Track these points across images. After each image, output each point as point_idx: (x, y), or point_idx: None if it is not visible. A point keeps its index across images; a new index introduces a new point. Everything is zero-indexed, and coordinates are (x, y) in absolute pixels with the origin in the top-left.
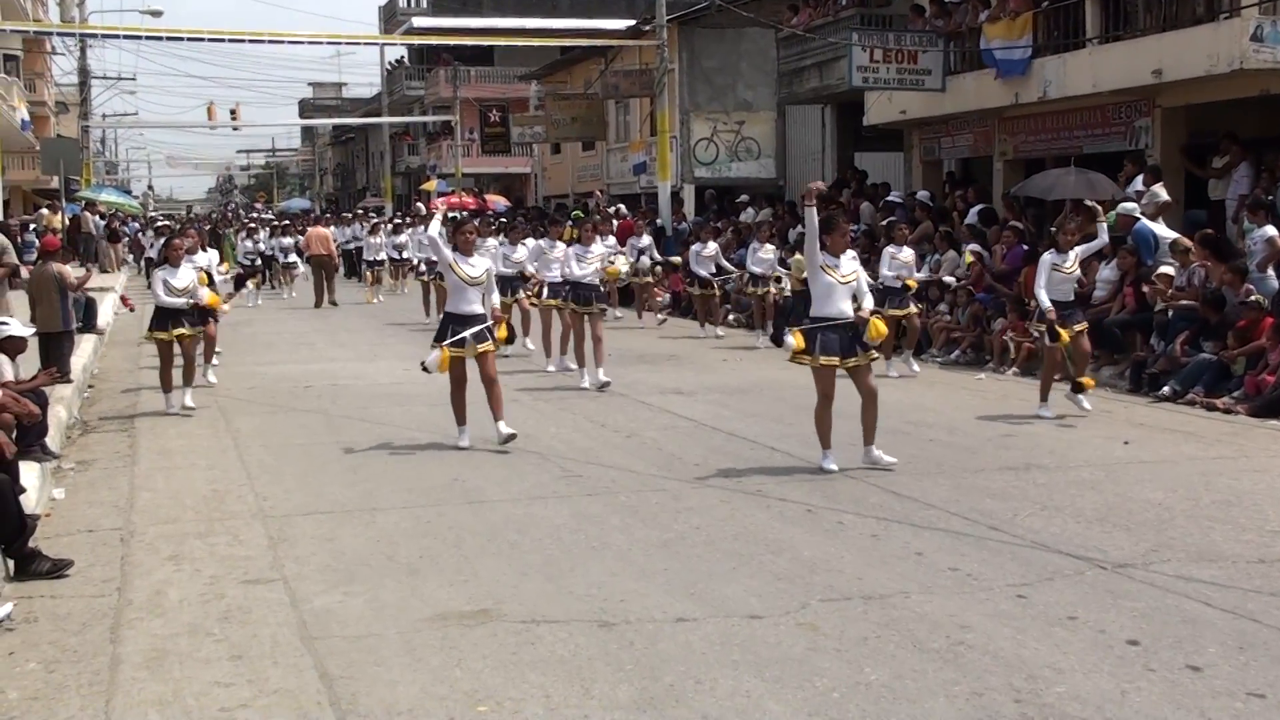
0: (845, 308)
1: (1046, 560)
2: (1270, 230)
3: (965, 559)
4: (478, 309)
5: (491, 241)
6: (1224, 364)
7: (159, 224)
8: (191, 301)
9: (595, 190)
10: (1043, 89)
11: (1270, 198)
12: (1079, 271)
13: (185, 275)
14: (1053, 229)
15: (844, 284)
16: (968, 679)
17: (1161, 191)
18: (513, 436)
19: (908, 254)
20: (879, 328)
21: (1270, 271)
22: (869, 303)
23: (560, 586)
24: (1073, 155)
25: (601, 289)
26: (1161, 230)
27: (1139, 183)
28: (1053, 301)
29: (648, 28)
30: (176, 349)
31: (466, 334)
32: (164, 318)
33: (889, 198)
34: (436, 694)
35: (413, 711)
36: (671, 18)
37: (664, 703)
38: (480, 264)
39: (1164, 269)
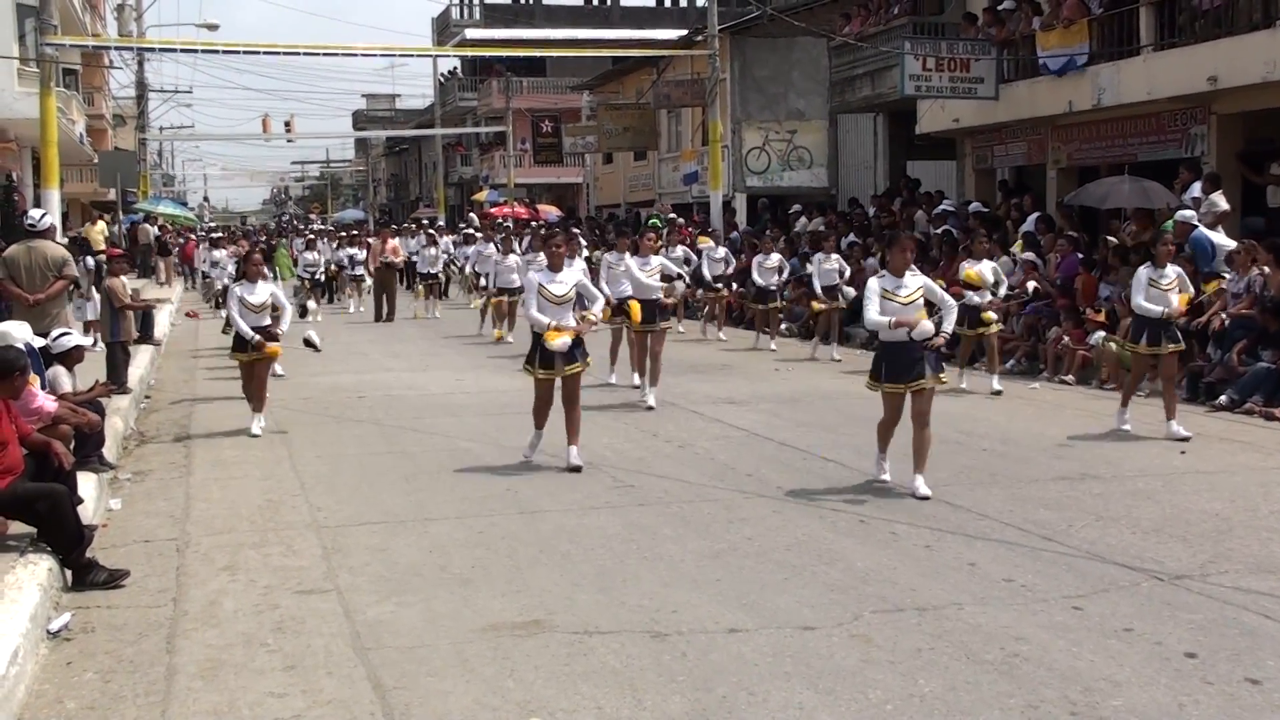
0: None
1: (1102, 571)
2: None
3: (1020, 570)
4: (569, 324)
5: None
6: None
7: (213, 235)
8: (264, 326)
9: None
10: (1097, 96)
11: None
12: (1178, 288)
13: (263, 291)
14: (1150, 245)
15: (906, 305)
16: (1022, 691)
17: (1220, 200)
18: (579, 469)
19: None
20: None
21: None
22: (950, 322)
23: (612, 597)
24: (1127, 163)
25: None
26: (1220, 239)
27: (1196, 189)
28: (1145, 319)
29: (699, 38)
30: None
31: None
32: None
33: (942, 206)
34: (489, 704)
35: None
36: (723, 27)
37: (716, 714)
38: (570, 278)
39: (1214, 283)
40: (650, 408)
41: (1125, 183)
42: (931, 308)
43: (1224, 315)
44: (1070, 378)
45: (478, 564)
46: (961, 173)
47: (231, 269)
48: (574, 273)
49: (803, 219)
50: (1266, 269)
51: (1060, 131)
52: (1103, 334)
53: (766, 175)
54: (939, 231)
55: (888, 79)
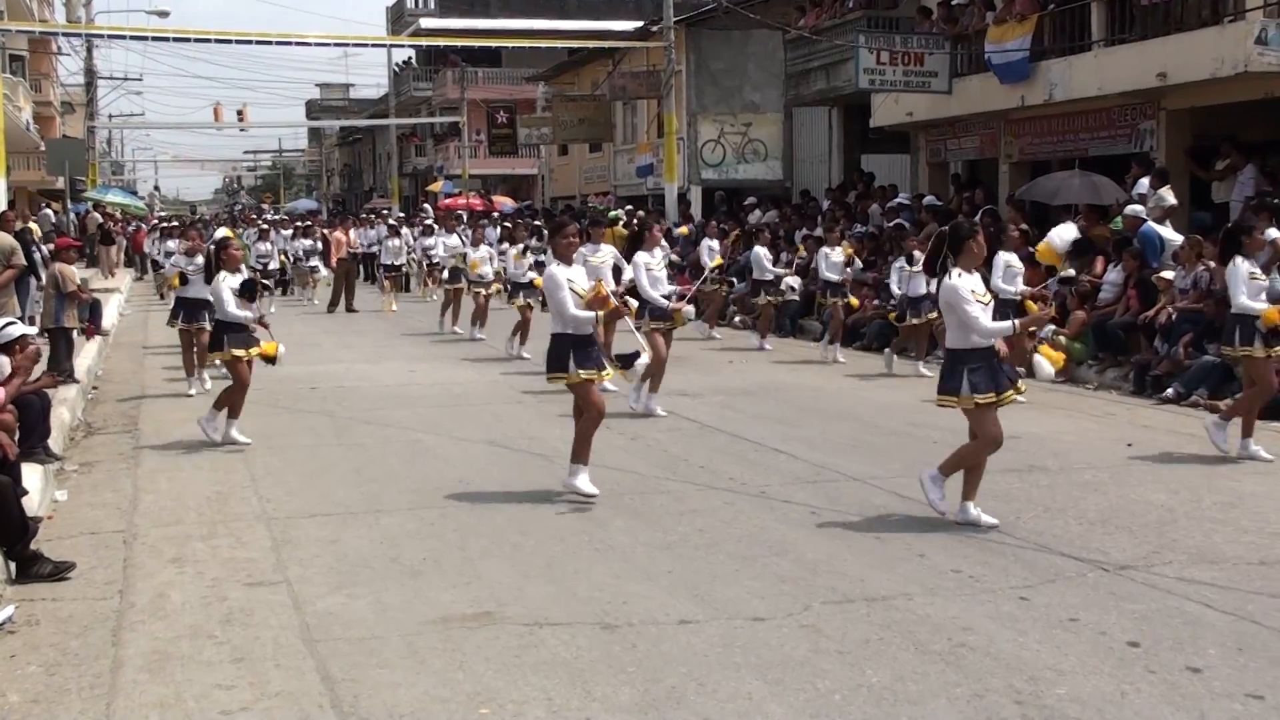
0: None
1: (1049, 562)
2: (1274, 233)
3: (968, 561)
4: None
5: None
6: (1227, 366)
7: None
8: (259, 315)
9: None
10: (1048, 91)
11: (1276, 200)
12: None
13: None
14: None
15: (986, 306)
16: (969, 681)
17: (1168, 195)
18: (577, 490)
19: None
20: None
21: (1275, 274)
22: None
23: (563, 588)
24: (1078, 158)
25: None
26: (1168, 233)
27: (1144, 184)
28: (1242, 317)
29: (655, 29)
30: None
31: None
32: (237, 332)
33: (896, 200)
34: (439, 696)
35: (415, 714)
36: (679, 19)
37: (665, 705)
38: (581, 271)
39: (1165, 273)
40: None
41: (1076, 178)
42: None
43: (1171, 309)
44: (1020, 370)
45: (429, 555)
46: (915, 166)
47: (199, 261)
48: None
49: (756, 212)
50: (1212, 264)
51: (1012, 126)
52: (1052, 328)
53: (722, 168)
54: (891, 225)
55: (842, 72)
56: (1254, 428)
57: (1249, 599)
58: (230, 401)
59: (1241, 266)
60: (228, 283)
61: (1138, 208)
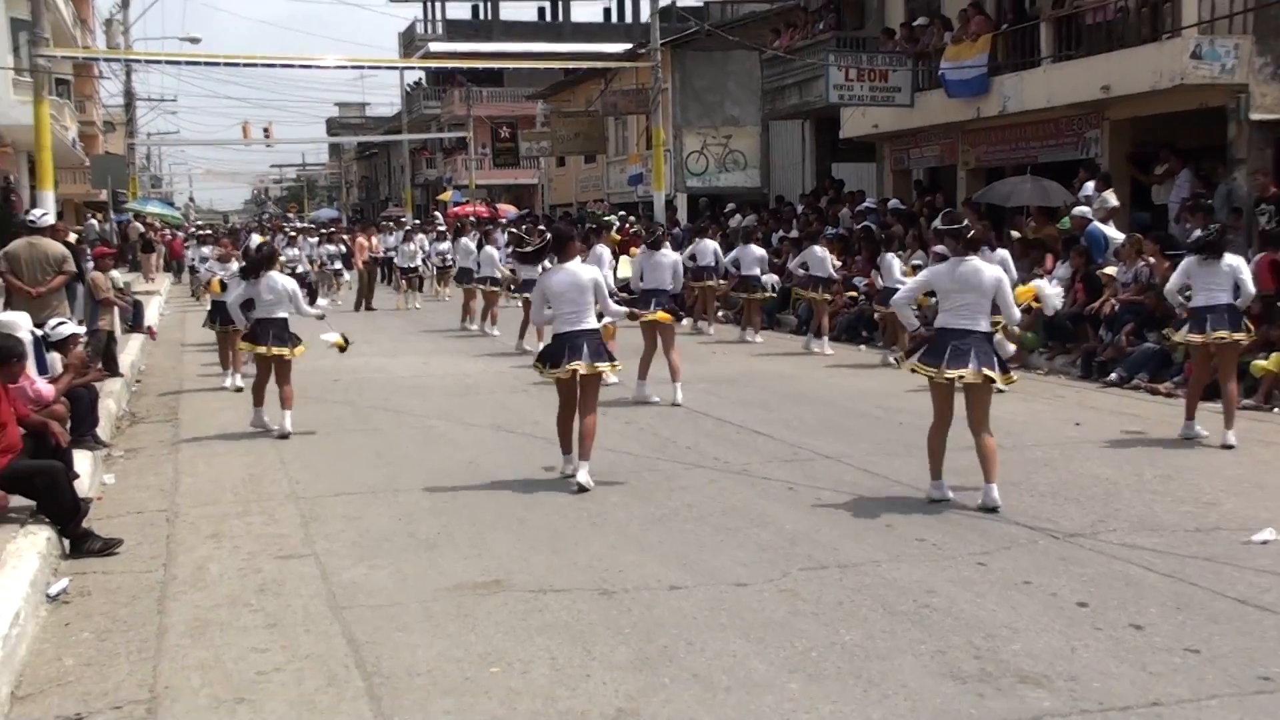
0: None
1: (1004, 531)
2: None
3: (931, 530)
4: (590, 324)
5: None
6: (1165, 352)
7: (200, 233)
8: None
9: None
10: (1002, 104)
11: (1208, 201)
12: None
13: (277, 282)
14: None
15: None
16: (932, 638)
17: (1111, 197)
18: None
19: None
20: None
21: None
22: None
23: (564, 559)
24: (1029, 164)
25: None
26: (1111, 232)
27: (1089, 187)
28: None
29: (643, 51)
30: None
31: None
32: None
33: (863, 204)
34: (453, 656)
35: (431, 673)
36: (665, 41)
37: (658, 662)
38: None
39: (1108, 269)
40: (677, 403)
41: (1027, 182)
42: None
43: (1114, 301)
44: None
45: (443, 530)
46: (881, 173)
47: (233, 267)
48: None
49: (737, 216)
50: (1152, 259)
51: (969, 136)
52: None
53: (705, 176)
54: (860, 227)
55: (814, 88)
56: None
57: (1186, 562)
58: (255, 391)
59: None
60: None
61: (1084, 209)
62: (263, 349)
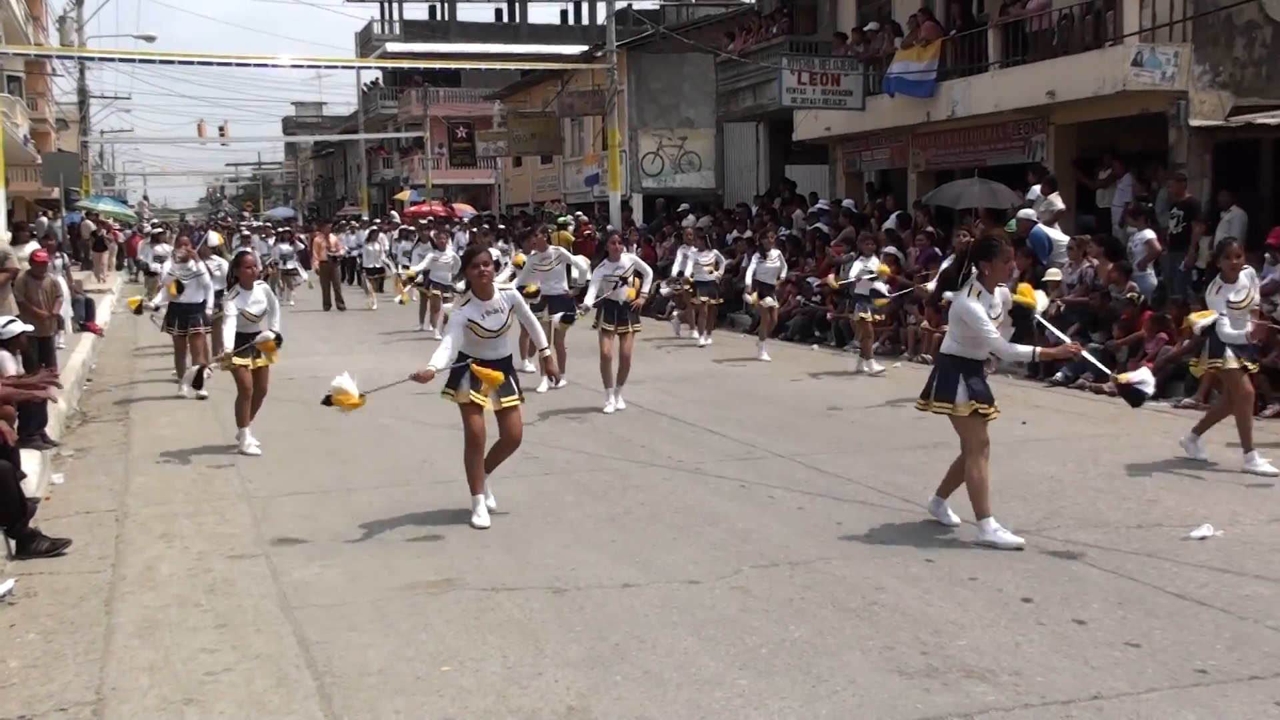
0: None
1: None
2: (1149, 233)
3: (879, 528)
4: (504, 352)
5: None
6: (1109, 352)
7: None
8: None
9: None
10: (951, 108)
11: (1149, 205)
12: (1257, 299)
13: (260, 295)
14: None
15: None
16: (881, 634)
17: (1057, 200)
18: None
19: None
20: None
21: (1150, 270)
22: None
23: (518, 557)
24: (978, 167)
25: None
26: (1056, 234)
27: (1035, 190)
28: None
29: (599, 53)
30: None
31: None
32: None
33: (816, 206)
34: (405, 655)
35: (383, 672)
36: (621, 44)
37: (610, 660)
38: (501, 302)
39: (1051, 273)
40: (621, 408)
41: (976, 185)
42: None
43: (1059, 303)
44: (929, 356)
45: (395, 529)
46: (833, 175)
47: (191, 267)
48: (502, 299)
49: (690, 216)
50: (1096, 261)
51: (919, 139)
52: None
53: (660, 177)
54: (812, 228)
55: (768, 91)
56: (1252, 440)
57: (1127, 559)
58: (239, 410)
59: (1219, 295)
60: (240, 302)
61: (1029, 211)
62: (256, 361)
